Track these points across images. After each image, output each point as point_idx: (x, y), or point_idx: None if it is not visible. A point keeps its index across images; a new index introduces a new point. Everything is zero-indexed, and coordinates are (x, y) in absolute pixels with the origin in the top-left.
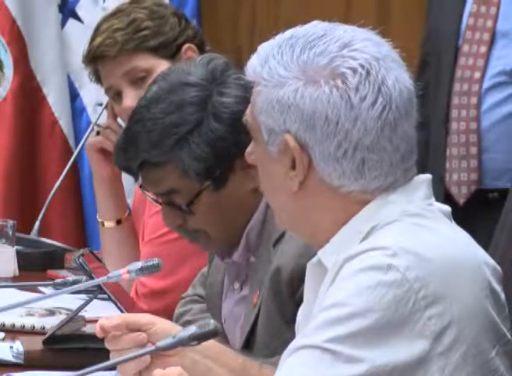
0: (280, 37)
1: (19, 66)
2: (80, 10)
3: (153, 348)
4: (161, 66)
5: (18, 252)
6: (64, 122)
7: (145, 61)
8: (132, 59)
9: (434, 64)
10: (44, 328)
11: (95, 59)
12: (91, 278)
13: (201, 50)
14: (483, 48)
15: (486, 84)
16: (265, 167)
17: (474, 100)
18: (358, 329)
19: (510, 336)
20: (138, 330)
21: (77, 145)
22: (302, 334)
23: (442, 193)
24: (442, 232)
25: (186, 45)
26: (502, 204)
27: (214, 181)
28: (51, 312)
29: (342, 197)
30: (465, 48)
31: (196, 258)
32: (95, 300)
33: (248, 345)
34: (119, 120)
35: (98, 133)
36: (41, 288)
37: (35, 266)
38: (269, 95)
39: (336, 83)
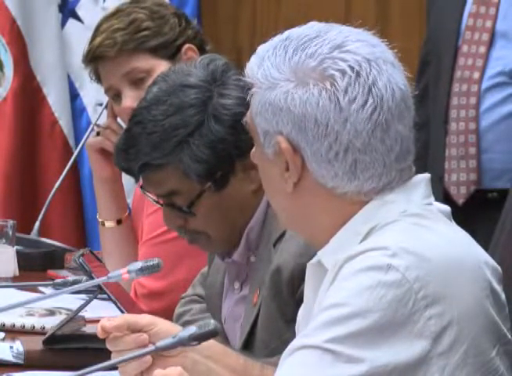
0: (277, 39)
1: (19, 66)
2: (80, 10)
3: (152, 348)
4: (161, 66)
5: (18, 252)
6: (64, 122)
7: (145, 61)
8: (132, 59)
9: (434, 64)
10: (44, 328)
11: (94, 59)
12: (91, 278)
13: (201, 50)
14: (482, 49)
15: (485, 84)
16: (263, 168)
17: (473, 101)
18: (358, 329)
19: (510, 336)
20: (140, 331)
21: (77, 145)
22: (302, 334)
23: (441, 194)
24: (442, 232)
25: (186, 46)
26: (501, 204)
27: (215, 182)
28: (51, 312)
29: (338, 198)
30: (464, 48)
31: (194, 258)
32: (95, 300)
33: (248, 345)
34: (119, 120)
35: (98, 133)
36: (41, 288)
37: (35, 266)
38: (263, 97)
39: (325, 85)
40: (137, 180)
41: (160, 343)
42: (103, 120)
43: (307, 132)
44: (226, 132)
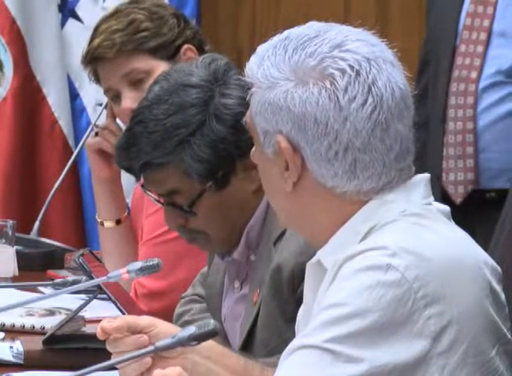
0: (277, 38)
1: (19, 67)
2: (80, 10)
3: (152, 348)
4: (160, 67)
5: (18, 252)
6: (64, 122)
7: (144, 62)
8: (131, 60)
9: (433, 64)
10: (44, 328)
11: (93, 60)
12: (91, 278)
13: (201, 50)
14: (480, 48)
15: (483, 84)
16: (263, 168)
17: (470, 100)
18: (357, 329)
19: (509, 336)
20: (140, 333)
21: (77, 145)
22: (302, 333)
23: (439, 193)
24: (442, 231)
25: (185, 46)
26: (500, 203)
27: (216, 182)
28: (51, 312)
29: (338, 198)
30: (462, 48)
31: (195, 258)
32: (94, 300)
33: (248, 344)
34: (118, 121)
35: (96, 134)
36: (40, 288)
37: (35, 266)
38: (263, 96)
39: (324, 84)
40: (138, 179)
41: (160, 343)
42: (103, 120)
43: (306, 131)
44: (227, 132)
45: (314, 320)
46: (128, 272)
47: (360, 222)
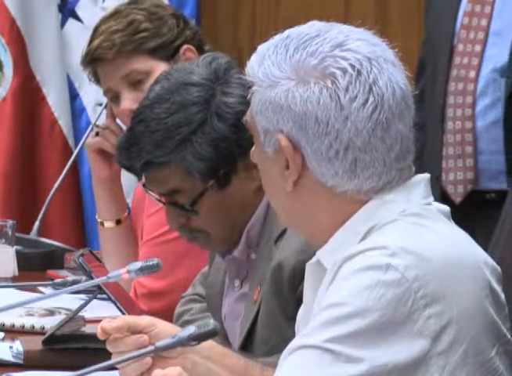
0: (278, 37)
1: (19, 67)
2: (79, 10)
3: (152, 348)
4: (160, 67)
5: (18, 252)
6: (64, 122)
7: (143, 63)
8: (130, 61)
9: (430, 65)
10: (43, 328)
11: (93, 61)
12: (91, 278)
13: (200, 51)
14: (477, 48)
15: (481, 83)
16: (263, 167)
17: (469, 99)
18: (357, 329)
19: (509, 336)
20: (140, 333)
21: (76, 145)
22: (302, 333)
23: (439, 193)
24: (442, 231)
25: (185, 46)
26: (499, 203)
27: (218, 181)
28: (50, 312)
29: (338, 197)
30: (460, 47)
31: (195, 258)
32: (94, 300)
33: (248, 342)
34: (118, 121)
35: (97, 134)
36: (40, 288)
37: (35, 266)
38: (263, 95)
39: (326, 83)
40: (139, 178)
41: (160, 343)
42: (103, 120)
43: (307, 130)
44: (229, 130)
45: (314, 320)
46: (128, 272)
47: (360, 221)
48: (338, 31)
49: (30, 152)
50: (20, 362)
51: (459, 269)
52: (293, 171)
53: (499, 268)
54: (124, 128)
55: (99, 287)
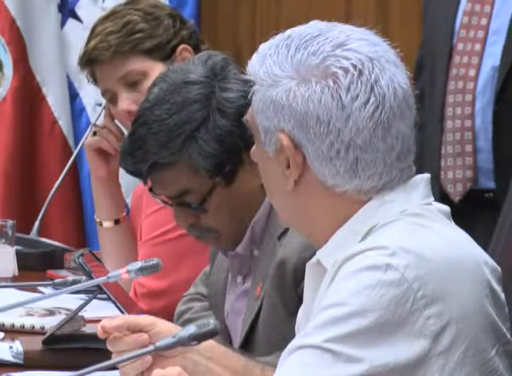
0: (279, 37)
1: (19, 66)
2: (79, 10)
3: (152, 347)
4: (156, 68)
5: (18, 252)
6: (64, 122)
7: (140, 64)
8: (127, 62)
9: (429, 64)
10: (43, 328)
11: (90, 62)
12: (91, 278)
13: (197, 50)
14: (477, 46)
15: (481, 81)
16: (263, 166)
17: (468, 98)
18: (357, 329)
19: (509, 336)
20: (140, 332)
21: (76, 145)
22: (302, 333)
23: (438, 192)
24: (442, 231)
25: (181, 47)
26: (499, 203)
27: (225, 176)
28: (50, 312)
29: (338, 197)
30: (459, 46)
31: (194, 257)
32: (94, 300)
33: (249, 338)
34: (116, 121)
35: (94, 133)
36: (40, 288)
37: (35, 266)
38: (264, 94)
39: (327, 83)
40: (145, 182)
41: (160, 343)
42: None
43: (308, 130)
44: (232, 125)
45: (314, 320)
46: (128, 272)
47: (360, 221)
48: (340, 31)
49: (30, 152)
50: (20, 362)
51: (459, 269)
52: (293, 170)
53: (499, 268)
54: (123, 128)
55: (98, 287)
